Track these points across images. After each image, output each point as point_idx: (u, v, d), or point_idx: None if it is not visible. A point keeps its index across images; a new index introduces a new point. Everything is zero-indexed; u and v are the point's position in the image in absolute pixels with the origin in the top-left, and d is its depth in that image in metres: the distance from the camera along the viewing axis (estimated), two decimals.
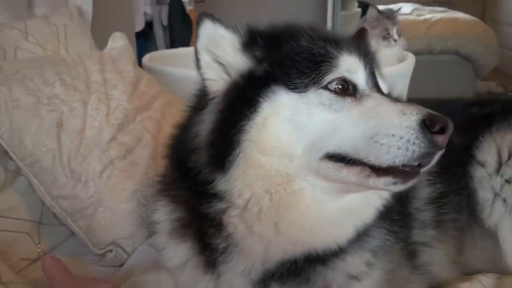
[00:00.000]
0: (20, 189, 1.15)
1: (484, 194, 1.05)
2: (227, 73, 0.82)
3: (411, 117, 0.69)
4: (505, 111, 1.19)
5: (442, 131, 0.68)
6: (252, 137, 0.74)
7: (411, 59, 2.05)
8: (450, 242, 1.02)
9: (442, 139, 0.68)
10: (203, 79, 0.83)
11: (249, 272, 0.82)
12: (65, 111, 1.16)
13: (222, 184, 0.76)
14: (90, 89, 1.24)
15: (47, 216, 1.17)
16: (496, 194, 1.04)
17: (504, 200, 1.03)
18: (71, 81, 1.22)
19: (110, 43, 1.53)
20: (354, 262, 0.84)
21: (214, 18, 0.82)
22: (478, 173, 1.07)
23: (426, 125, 0.68)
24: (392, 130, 0.69)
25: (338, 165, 0.73)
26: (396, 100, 0.78)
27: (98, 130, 1.19)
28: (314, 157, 0.74)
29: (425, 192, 0.99)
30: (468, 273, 1.02)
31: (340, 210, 0.78)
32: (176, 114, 1.43)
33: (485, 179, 1.06)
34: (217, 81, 0.82)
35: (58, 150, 1.12)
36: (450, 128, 0.69)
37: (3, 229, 1.07)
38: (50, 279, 0.96)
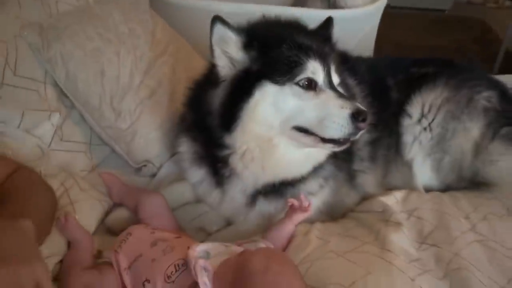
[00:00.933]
0: (75, 119, 1.53)
1: (407, 138, 1.50)
2: (232, 64, 1.18)
3: (346, 110, 1.09)
4: (435, 73, 1.59)
5: (363, 120, 1.09)
6: (248, 113, 1.14)
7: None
8: (379, 170, 1.49)
9: (363, 125, 1.09)
10: (216, 65, 1.20)
11: (244, 190, 1.28)
12: (105, 61, 1.50)
13: (228, 140, 1.18)
14: (120, 40, 1.57)
15: (95, 138, 1.57)
16: (415, 138, 1.49)
17: (420, 142, 1.49)
18: (106, 34, 1.54)
19: None
20: (311, 184, 1.30)
21: (224, 22, 1.16)
22: (406, 122, 1.50)
23: (354, 116, 1.09)
24: (333, 118, 1.10)
25: (301, 134, 1.15)
26: (341, 94, 1.16)
27: (130, 76, 1.55)
28: (286, 128, 1.15)
29: (365, 137, 1.42)
30: (390, 190, 1.51)
31: (303, 156, 1.22)
32: (185, 58, 1.79)
33: (410, 126, 1.50)
34: (225, 68, 1.18)
35: (103, 93, 1.48)
36: (368, 118, 1.09)
37: (68, 149, 1.48)
38: (109, 188, 1.42)
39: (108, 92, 1.50)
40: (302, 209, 1.21)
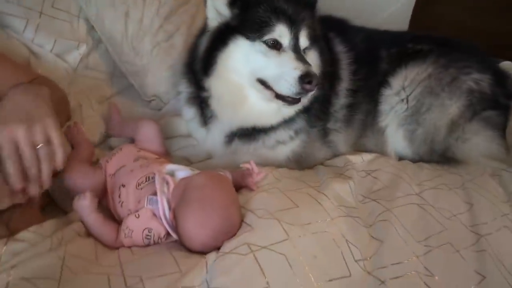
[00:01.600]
0: (101, 52, 1.78)
1: (384, 106, 1.61)
2: (219, 17, 1.36)
3: (297, 72, 1.24)
4: (429, 49, 1.66)
5: (309, 83, 1.24)
6: (222, 61, 1.34)
7: None
8: (353, 131, 1.62)
9: (308, 87, 1.25)
10: (207, 16, 1.38)
11: (223, 130, 1.48)
12: (131, 4, 1.72)
13: (206, 83, 1.39)
14: None
15: (117, 71, 1.83)
16: (391, 108, 1.61)
17: (395, 112, 1.60)
18: None
19: None
20: (282, 134, 1.48)
21: None
22: (386, 92, 1.61)
23: (302, 78, 1.24)
24: (285, 76, 1.26)
25: (262, 87, 1.33)
26: (300, 57, 1.29)
27: (151, 20, 1.76)
28: (253, 78, 1.33)
29: (342, 101, 1.56)
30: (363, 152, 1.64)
31: (272, 109, 1.39)
32: None
33: (389, 97, 1.61)
34: (213, 21, 1.37)
35: (125, 31, 1.72)
36: (315, 81, 1.24)
37: (91, 76, 1.74)
38: (111, 118, 1.65)
39: (130, 32, 1.72)
40: (253, 176, 1.29)
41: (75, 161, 1.34)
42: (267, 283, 0.93)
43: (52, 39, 1.58)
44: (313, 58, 1.39)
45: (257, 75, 1.32)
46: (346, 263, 1.06)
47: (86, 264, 1.01)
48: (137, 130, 1.53)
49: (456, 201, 1.36)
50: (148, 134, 1.52)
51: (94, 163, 1.44)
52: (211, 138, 1.52)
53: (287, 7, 1.32)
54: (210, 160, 1.56)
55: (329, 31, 1.58)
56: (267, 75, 1.30)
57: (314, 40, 1.39)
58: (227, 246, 1.02)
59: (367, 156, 1.56)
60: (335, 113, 1.57)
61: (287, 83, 1.25)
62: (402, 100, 1.59)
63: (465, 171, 1.54)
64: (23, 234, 1.00)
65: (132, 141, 1.54)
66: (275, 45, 1.30)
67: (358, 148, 1.65)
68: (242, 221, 1.13)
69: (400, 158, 1.64)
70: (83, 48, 1.68)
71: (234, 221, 1.11)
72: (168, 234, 1.17)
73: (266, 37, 1.29)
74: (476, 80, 1.61)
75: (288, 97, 1.29)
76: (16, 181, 0.97)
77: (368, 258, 1.12)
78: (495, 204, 1.36)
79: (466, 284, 1.10)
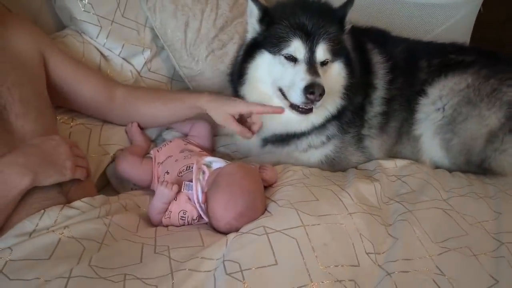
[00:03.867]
0: (163, 57, 1.98)
1: (420, 115, 1.64)
2: (254, 33, 1.52)
3: (303, 82, 1.34)
4: (471, 61, 1.68)
5: (311, 93, 1.32)
6: (251, 72, 1.49)
7: None
8: (388, 138, 1.67)
9: (311, 97, 1.33)
10: (247, 31, 1.54)
11: (259, 135, 1.60)
12: (191, 15, 1.91)
13: (241, 91, 1.54)
14: (207, 0, 1.97)
15: (176, 75, 2.03)
16: (427, 116, 1.63)
17: (431, 120, 1.62)
18: None
19: None
20: (313, 139, 1.58)
21: (256, 1, 1.49)
22: (423, 101, 1.64)
23: (306, 89, 1.33)
24: (294, 87, 1.36)
25: (282, 96, 1.45)
26: (312, 69, 1.38)
27: (208, 30, 1.94)
28: (275, 87, 1.46)
29: (377, 109, 1.62)
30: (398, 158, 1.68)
31: (298, 116, 1.47)
32: None
33: (425, 106, 1.64)
34: (249, 35, 1.53)
35: (184, 39, 1.90)
36: (317, 92, 1.32)
37: (153, 79, 1.95)
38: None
39: (188, 40, 1.91)
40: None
41: (128, 153, 1.54)
42: (275, 261, 1.03)
43: (121, 44, 1.80)
44: (337, 70, 1.49)
45: (277, 84, 1.45)
46: (356, 254, 1.13)
47: (127, 234, 1.18)
48: (192, 128, 1.72)
49: (483, 209, 1.38)
50: (201, 132, 1.70)
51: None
52: (249, 141, 1.65)
53: (307, 22, 1.42)
54: (247, 158, 1.69)
55: (368, 42, 1.66)
56: (283, 85, 1.43)
57: (337, 53, 1.47)
58: (246, 228, 1.15)
59: (400, 162, 1.61)
60: (369, 120, 1.63)
61: (295, 93, 1.36)
62: (438, 109, 1.61)
63: (501, 183, 1.53)
64: (77, 203, 1.19)
65: (185, 135, 1.73)
66: (292, 58, 1.42)
67: (393, 155, 1.69)
68: (265, 209, 1.25)
69: (437, 167, 1.65)
70: (148, 53, 1.89)
71: (257, 206, 1.23)
72: (200, 216, 1.31)
73: (284, 52, 1.42)
74: None
75: (299, 107, 1.40)
76: None
77: (381, 253, 1.18)
78: None
79: (477, 286, 1.12)
